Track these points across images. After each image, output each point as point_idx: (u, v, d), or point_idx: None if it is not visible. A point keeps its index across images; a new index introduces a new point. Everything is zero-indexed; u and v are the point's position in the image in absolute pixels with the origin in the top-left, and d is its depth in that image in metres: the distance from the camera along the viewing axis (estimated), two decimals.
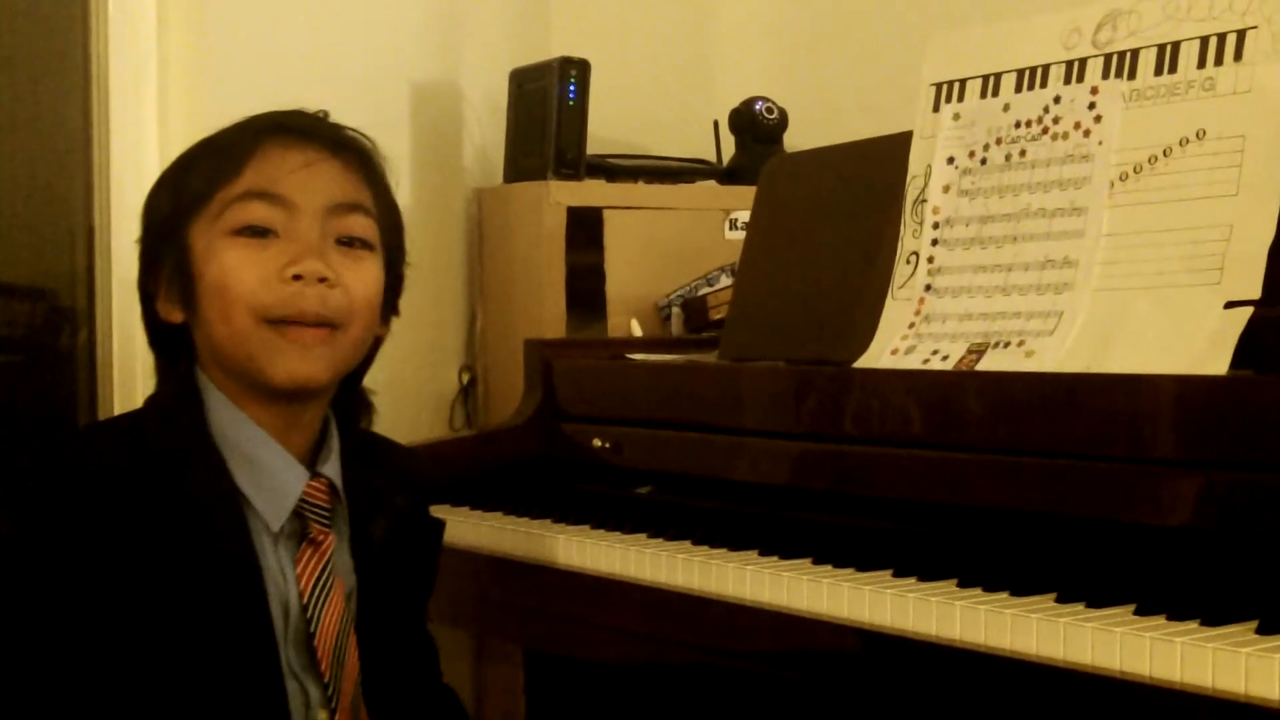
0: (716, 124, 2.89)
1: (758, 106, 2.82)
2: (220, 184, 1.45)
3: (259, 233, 1.45)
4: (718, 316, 2.53)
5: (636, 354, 2.45)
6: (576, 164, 2.68)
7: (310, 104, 1.56)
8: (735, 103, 2.85)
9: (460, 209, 2.88)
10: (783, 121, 2.83)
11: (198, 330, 1.48)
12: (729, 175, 2.83)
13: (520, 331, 2.71)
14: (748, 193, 2.73)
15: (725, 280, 2.65)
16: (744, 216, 2.67)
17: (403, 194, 2.73)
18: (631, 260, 2.63)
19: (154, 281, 1.49)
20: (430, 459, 2.23)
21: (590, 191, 2.68)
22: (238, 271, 1.43)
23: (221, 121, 1.53)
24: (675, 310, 2.61)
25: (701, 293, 2.61)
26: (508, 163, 2.79)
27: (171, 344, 1.52)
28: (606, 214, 2.62)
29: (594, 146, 2.76)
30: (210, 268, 1.44)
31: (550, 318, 2.64)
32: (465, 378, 2.87)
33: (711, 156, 2.89)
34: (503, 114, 2.82)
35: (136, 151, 2.34)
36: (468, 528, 2.08)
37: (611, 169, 2.75)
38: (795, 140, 2.84)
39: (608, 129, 2.85)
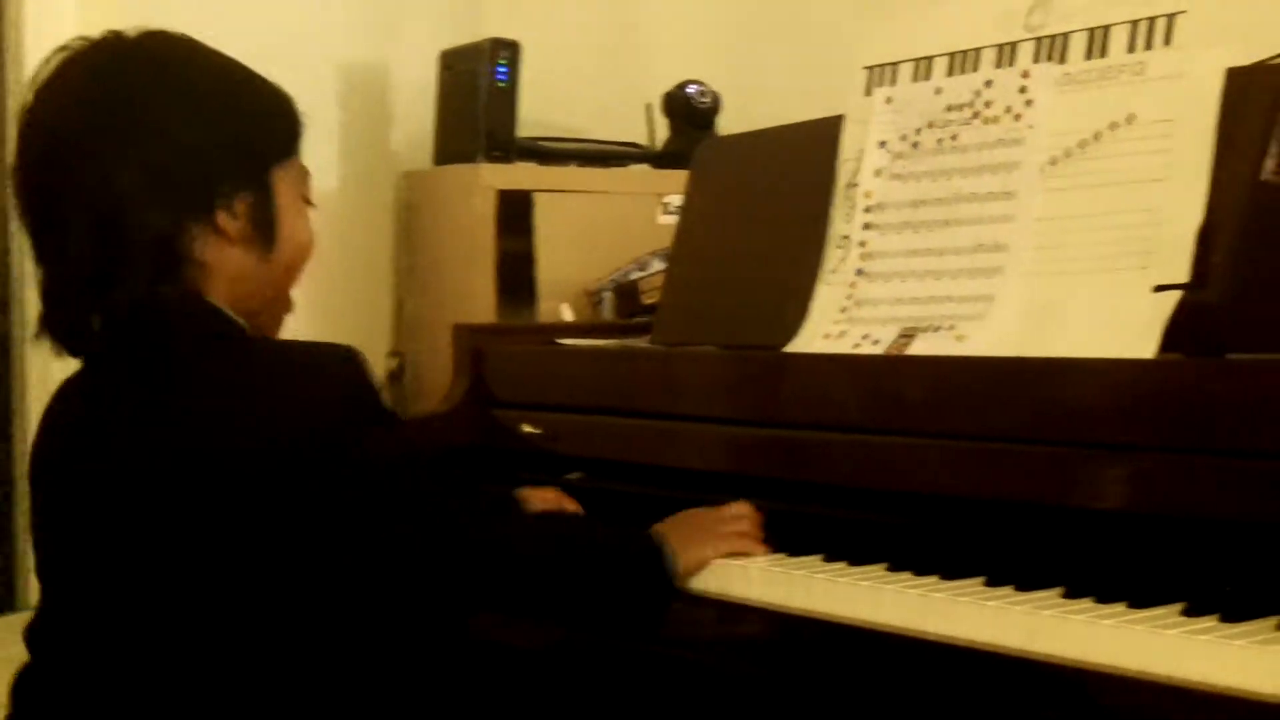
0: (649, 107, 2.87)
1: (691, 90, 2.80)
2: (294, 149, 1.59)
3: None
4: (650, 302, 2.51)
5: (568, 340, 2.43)
6: (507, 147, 2.65)
7: None
8: (668, 86, 2.84)
9: (389, 192, 2.85)
10: (716, 105, 2.81)
11: (244, 260, 1.53)
12: (662, 159, 2.82)
13: (450, 316, 2.68)
14: (681, 177, 2.71)
15: (658, 265, 2.63)
16: (677, 201, 2.65)
17: (330, 177, 2.74)
18: (563, 244, 2.61)
19: (220, 196, 1.51)
20: None
21: (521, 175, 2.66)
22: (310, 237, 1.61)
23: None
24: (607, 295, 2.59)
25: (634, 277, 2.60)
26: (437, 145, 2.77)
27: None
28: (537, 197, 2.60)
29: (525, 129, 2.74)
30: (293, 223, 1.58)
31: (480, 302, 2.62)
32: (394, 363, 2.84)
33: (644, 140, 2.88)
34: (432, 96, 2.80)
35: None
36: None
37: (543, 152, 2.73)
38: (729, 124, 2.83)
39: (539, 112, 2.83)
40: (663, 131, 2.87)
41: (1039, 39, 1.78)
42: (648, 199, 2.69)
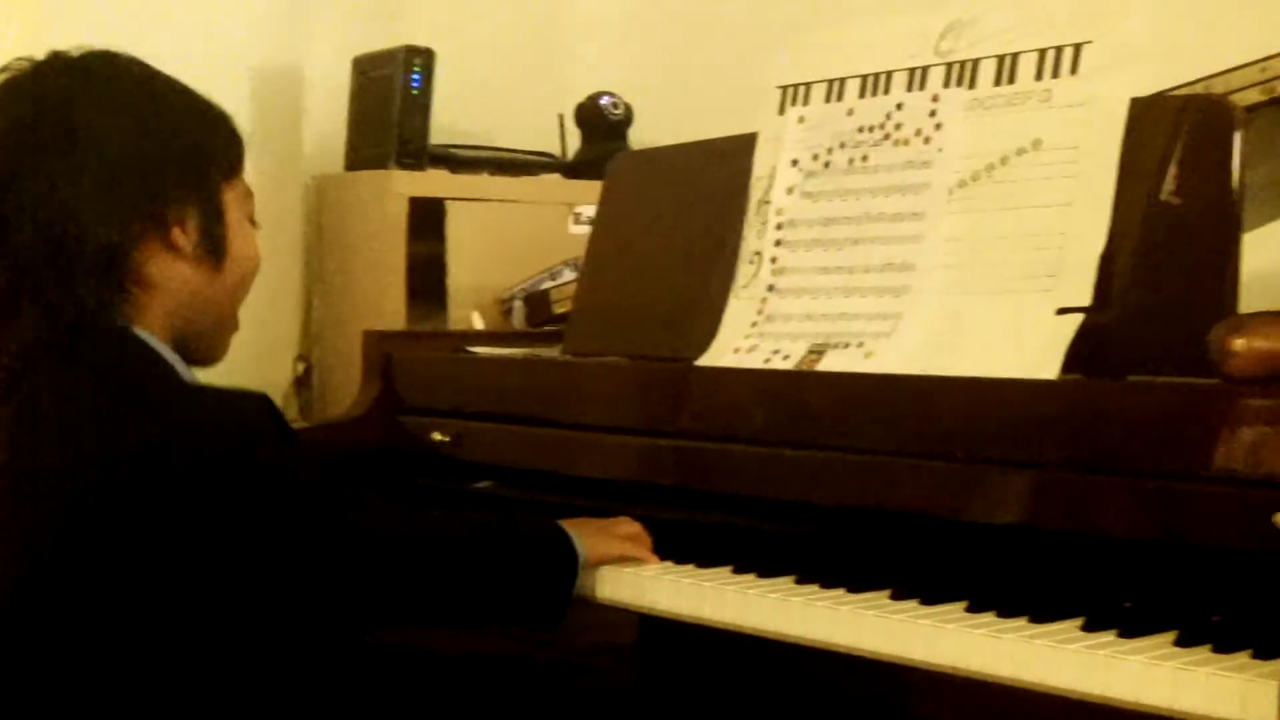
0: (561, 118, 2.89)
1: (604, 101, 2.83)
2: (239, 169, 1.62)
3: None
4: (561, 311, 2.53)
5: (478, 347, 2.44)
6: (419, 154, 2.66)
7: None
8: (581, 97, 2.86)
9: (298, 196, 2.85)
10: (628, 117, 2.84)
11: (193, 277, 1.54)
12: (574, 169, 2.84)
13: (359, 321, 2.68)
14: (593, 187, 2.74)
15: (569, 274, 2.65)
16: (589, 211, 2.68)
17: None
18: (474, 252, 2.63)
19: (169, 213, 1.52)
20: None
21: (433, 182, 2.67)
22: (258, 255, 1.63)
23: None
24: (518, 304, 2.61)
25: (544, 287, 2.62)
26: (349, 150, 2.77)
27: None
28: (449, 205, 2.61)
29: (437, 136, 2.75)
30: (241, 241, 1.60)
31: (390, 308, 2.62)
32: (300, 367, 2.84)
33: (556, 150, 2.89)
34: (344, 101, 2.80)
35: None
36: None
37: (455, 159, 2.74)
38: (641, 136, 2.86)
39: (452, 119, 2.83)
40: (575, 142, 2.89)
41: (949, 64, 1.82)
42: (559, 208, 2.71)
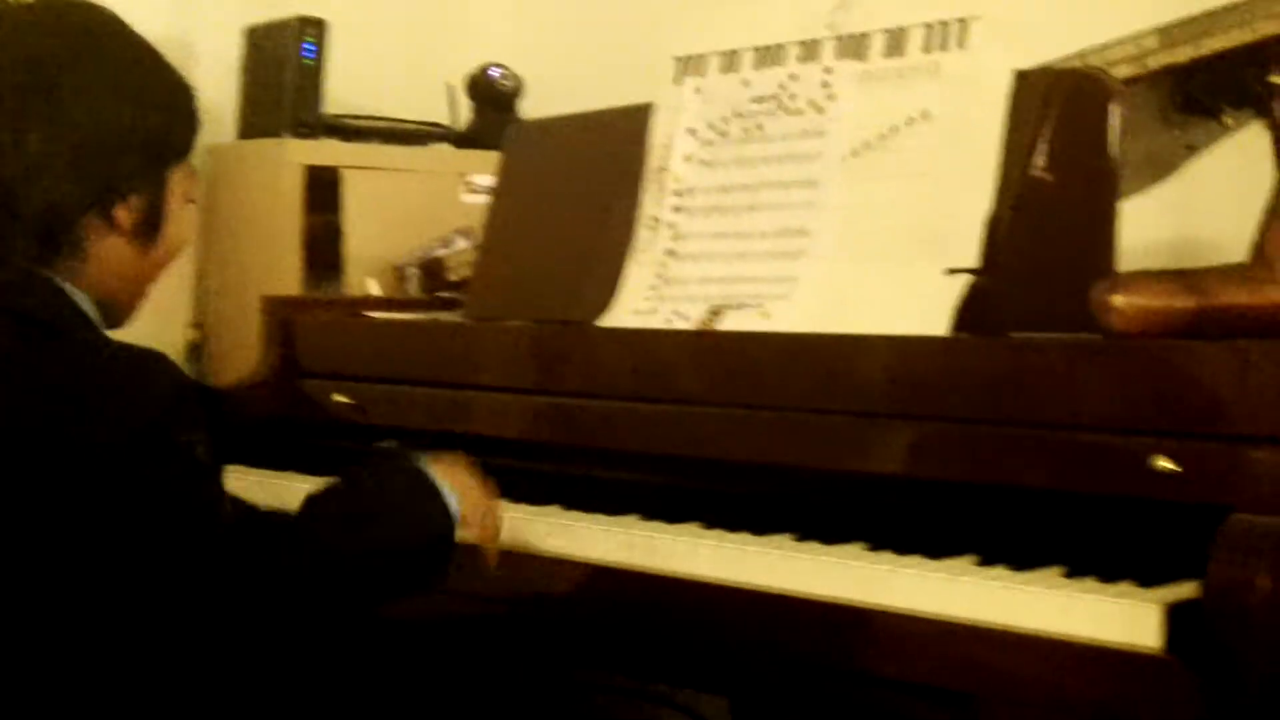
0: (451, 88, 2.93)
1: (494, 73, 2.88)
2: (190, 149, 1.62)
3: None
4: (455, 279, 2.58)
5: (376, 313, 2.49)
6: (314, 123, 2.69)
7: None
8: (472, 68, 2.90)
9: None
10: (518, 88, 2.89)
11: (125, 252, 1.54)
12: (465, 140, 2.88)
13: (254, 289, 2.69)
14: (484, 157, 2.80)
15: (462, 243, 2.70)
16: (480, 181, 2.73)
17: None
18: (370, 221, 2.66)
19: (122, 190, 1.52)
20: None
21: (328, 151, 2.70)
22: (189, 235, 1.67)
23: None
24: (413, 271, 2.65)
25: (439, 254, 2.66)
26: (242, 120, 2.79)
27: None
28: (345, 174, 2.64)
29: (330, 107, 2.78)
30: (177, 222, 1.60)
31: (286, 276, 2.65)
32: (195, 334, 2.86)
33: (447, 120, 2.94)
34: (235, 70, 2.81)
35: None
36: None
37: (348, 130, 2.77)
38: (531, 107, 2.91)
39: (343, 90, 2.86)
40: (466, 113, 2.93)
41: (841, 37, 1.90)
42: (451, 178, 2.76)
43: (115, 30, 1.57)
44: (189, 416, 1.49)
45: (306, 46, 2.68)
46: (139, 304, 1.66)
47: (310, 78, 2.69)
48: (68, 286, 1.52)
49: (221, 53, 2.85)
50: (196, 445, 1.48)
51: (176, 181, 1.60)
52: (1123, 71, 1.81)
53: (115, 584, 1.43)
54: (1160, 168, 2.10)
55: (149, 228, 1.57)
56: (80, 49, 1.52)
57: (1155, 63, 1.80)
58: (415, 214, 2.71)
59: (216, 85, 2.86)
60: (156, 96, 1.56)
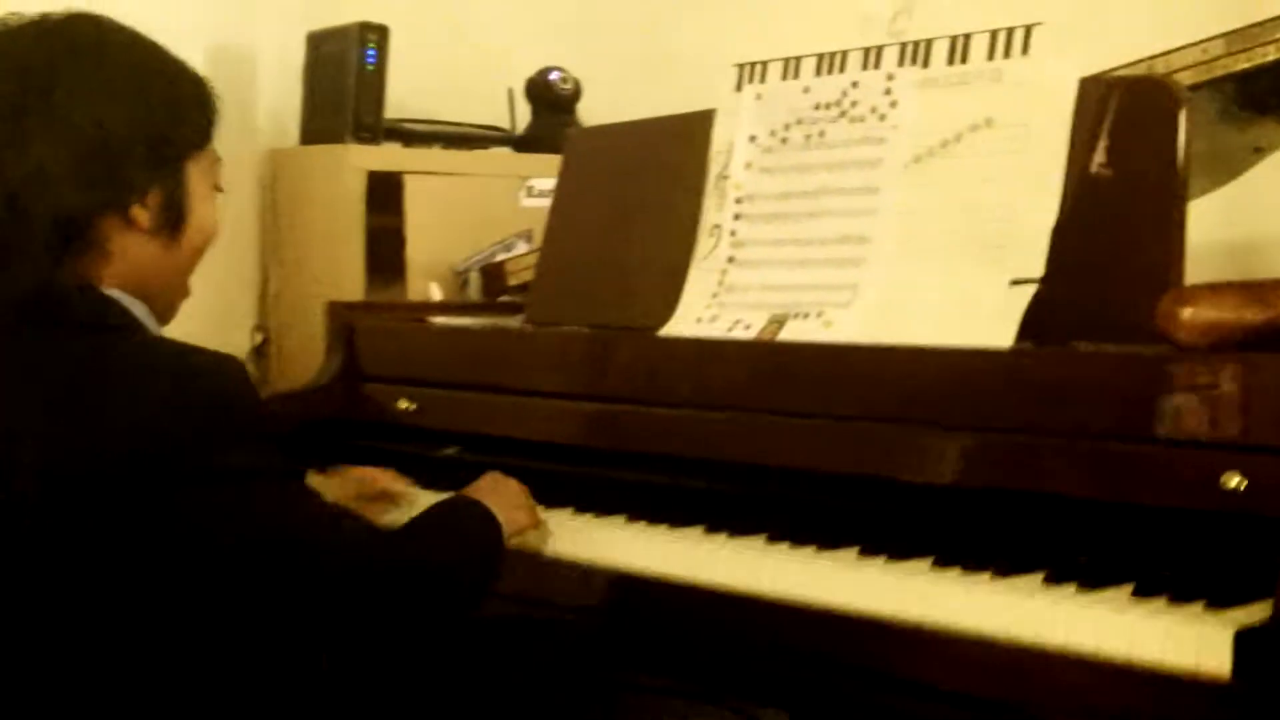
0: (511, 92, 2.94)
1: (552, 76, 2.88)
2: (209, 139, 1.62)
3: None
4: (516, 282, 2.59)
5: (438, 317, 2.50)
6: (375, 129, 2.70)
7: None
8: (530, 71, 2.91)
9: (253, 169, 2.88)
10: (577, 91, 2.89)
11: (149, 248, 1.55)
12: (524, 143, 2.89)
13: (317, 293, 2.72)
14: (543, 160, 2.81)
15: (522, 246, 2.71)
16: (540, 184, 2.74)
17: None
18: (430, 225, 2.67)
19: (136, 188, 1.53)
20: None
21: (389, 156, 2.71)
22: (216, 224, 1.64)
23: None
24: (473, 275, 2.66)
25: (499, 259, 2.67)
26: (304, 125, 2.80)
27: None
28: (407, 179, 2.65)
29: (390, 111, 2.79)
30: (201, 211, 1.61)
31: (348, 280, 2.67)
32: (258, 338, 2.88)
33: (506, 124, 2.94)
34: (297, 75, 2.83)
35: None
36: None
37: (409, 134, 2.78)
38: (589, 110, 2.91)
39: (403, 94, 2.87)
40: (524, 117, 2.94)
41: (903, 44, 1.89)
42: (511, 181, 2.77)
43: (111, 35, 1.57)
44: (251, 406, 1.52)
45: (368, 52, 2.69)
46: (176, 301, 1.66)
47: (371, 83, 2.70)
48: (114, 292, 1.54)
49: (285, 58, 2.86)
50: (262, 432, 1.52)
51: (196, 173, 1.60)
52: (1188, 77, 1.80)
53: (204, 579, 1.45)
54: (1227, 170, 2.09)
55: (171, 222, 1.57)
56: (75, 56, 1.53)
57: (1221, 68, 1.78)
58: (476, 218, 2.72)
59: (279, 90, 2.89)
60: (159, 94, 1.56)
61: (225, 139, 2.76)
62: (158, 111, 1.55)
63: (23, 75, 1.51)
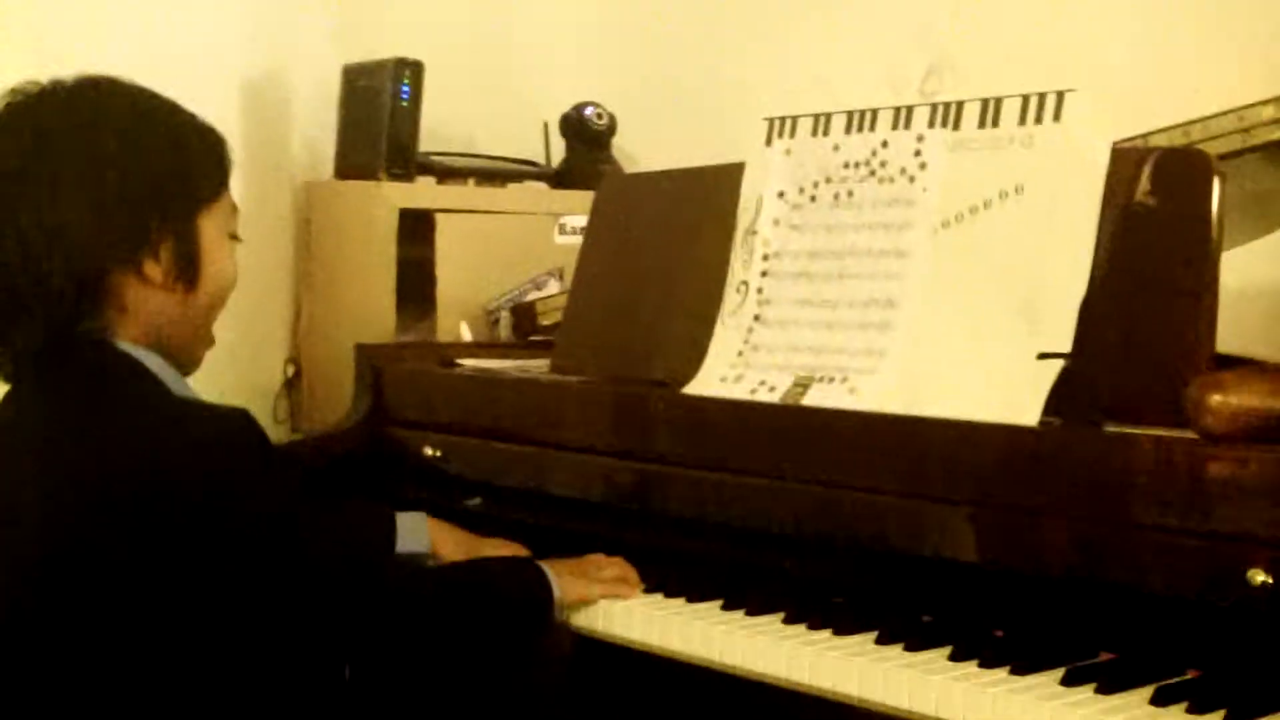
0: (546, 126, 2.92)
1: (587, 111, 2.86)
2: (222, 189, 1.66)
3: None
4: (546, 323, 2.58)
5: (468, 360, 2.49)
6: (408, 165, 2.69)
7: None
8: (566, 106, 2.89)
9: (287, 201, 2.88)
10: (612, 126, 2.87)
11: (165, 302, 1.58)
12: (559, 178, 2.87)
13: (347, 326, 2.72)
14: (577, 197, 2.79)
15: (554, 284, 2.69)
16: (573, 221, 2.72)
17: (231, 184, 2.75)
18: (462, 263, 2.66)
19: (148, 244, 1.57)
20: None
21: (422, 193, 2.70)
22: (234, 272, 1.68)
23: None
24: (504, 314, 2.65)
25: (530, 298, 2.66)
26: (339, 158, 2.79)
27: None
28: (439, 218, 2.64)
29: (424, 143, 2.77)
30: (217, 261, 1.64)
31: (379, 316, 2.66)
32: (290, 370, 2.88)
33: (541, 158, 2.93)
34: (333, 107, 2.82)
35: None
36: None
37: (442, 169, 2.77)
38: (624, 144, 2.90)
39: (436, 126, 2.86)
40: (559, 152, 2.92)
41: (934, 105, 1.86)
42: (545, 219, 2.75)
43: (118, 100, 1.60)
44: (257, 454, 1.55)
45: (403, 88, 2.68)
46: (199, 349, 1.70)
47: (406, 119, 2.69)
48: (127, 346, 1.56)
49: (321, 91, 2.86)
50: (269, 478, 1.55)
51: (210, 225, 1.63)
52: (1228, 144, 1.76)
53: (218, 608, 1.49)
54: (1272, 218, 2.04)
55: (186, 275, 1.60)
56: (88, 125, 1.57)
57: (1262, 136, 1.74)
58: (508, 254, 2.70)
59: (315, 123, 2.88)
60: (167, 151, 1.59)
61: (259, 170, 2.79)
62: (166, 168, 1.58)
63: (35, 139, 1.55)
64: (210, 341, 1.70)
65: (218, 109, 2.65)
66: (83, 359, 1.56)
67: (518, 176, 2.86)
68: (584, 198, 2.77)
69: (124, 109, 1.59)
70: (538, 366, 2.32)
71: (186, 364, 1.67)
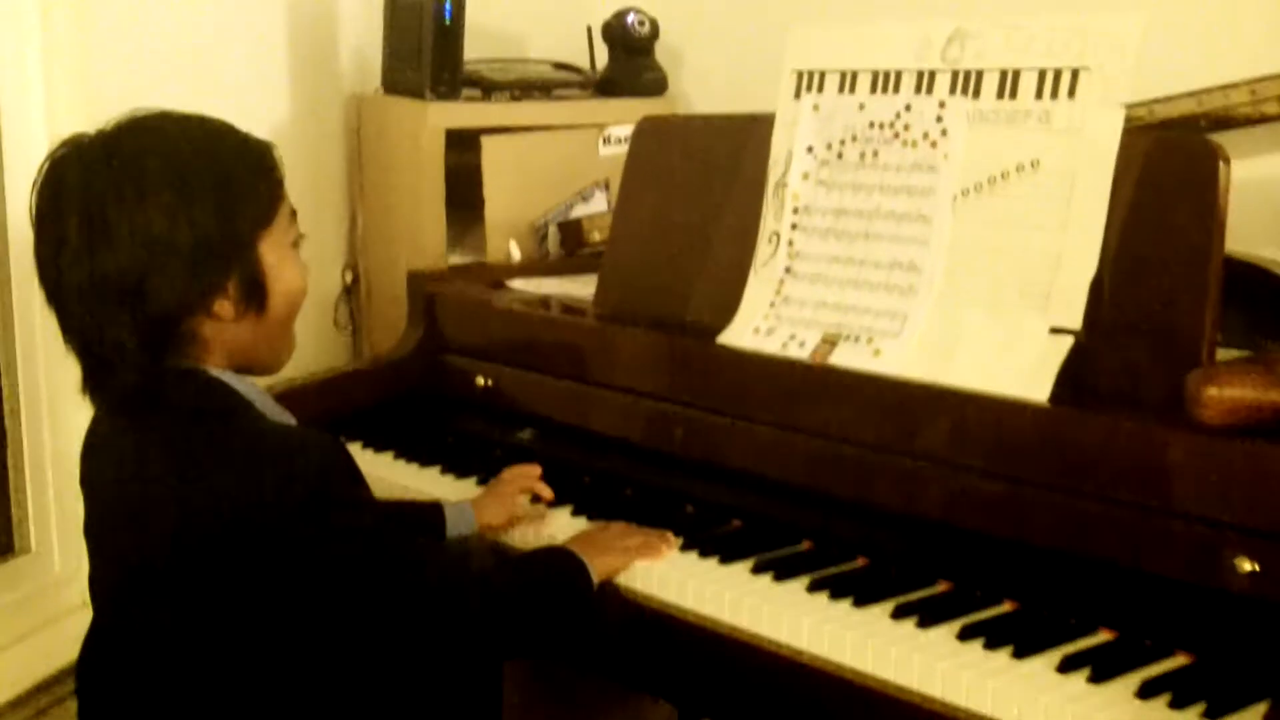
0: (590, 30, 2.96)
1: (630, 19, 2.89)
2: (277, 204, 1.68)
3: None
4: (594, 239, 2.66)
5: (517, 281, 2.58)
6: (453, 83, 2.75)
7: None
8: (609, 14, 2.93)
9: (338, 113, 2.95)
10: (654, 32, 2.91)
11: (240, 330, 1.65)
12: (602, 87, 2.92)
13: (401, 238, 2.82)
14: (621, 106, 2.86)
15: (600, 196, 2.77)
16: (618, 131, 2.79)
17: (280, 97, 2.83)
18: (508, 182, 2.73)
19: (213, 289, 1.61)
20: (324, 392, 2.40)
21: (467, 112, 2.76)
22: (304, 279, 1.72)
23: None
24: (552, 230, 2.73)
25: (577, 212, 2.74)
26: (385, 73, 2.85)
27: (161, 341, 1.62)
28: (484, 141, 2.71)
29: (469, 51, 2.82)
30: (284, 278, 1.68)
31: (430, 231, 2.74)
32: (348, 277, 2.98)
33: (584, 63, 2.98)
34: (379, 18, 2.87)
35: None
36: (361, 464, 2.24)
37: (487, 83, 2.82)
38: (666, 51, 2.94)
39: (480, 33, 2.90)
40: (602, 58, 2.96)
41: (955, 72, 1.91)
42: (589, 131, 2.81)
43: (164, 143, 1.62)
44: (347, 476, 1.65)
45: (445, 7, 2.72)
46: (282, 356, 1.76)
47: (450, 37, 2.73)
48: (217, 372, 1.66)
49: (368, 3, 2.91)
50: (358, 498, 1.66)
51: (270, 246, 1.65)
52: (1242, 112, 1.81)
53: (314, 620, 1.61)
54: None
55: (255, 302, 1.65)
56: (130, 173, 1.58)
57: (1276, 108, 1.79)
58: (554, 169, 2.77)
59: (362, 35, 2.94)
60: (224, 185, 1.61)
61: (310, 82, 2.86)
62: (221, 203, 1.60)
63: (86, 196, 1.58)
64: (292, 345, 1.76)
65: (267, 22, 2.76)
66: (177, 391, 1.63)
67: (562, 85, 2.92)
68: (627, 107, 2.84)
69: (171, 155, 1.61)
70: (585, 286, 2.42)
71: (268, 369, 1.74)
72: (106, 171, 1.58)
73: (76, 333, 1.61)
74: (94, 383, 1.64)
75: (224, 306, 1.63)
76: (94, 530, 1.71)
